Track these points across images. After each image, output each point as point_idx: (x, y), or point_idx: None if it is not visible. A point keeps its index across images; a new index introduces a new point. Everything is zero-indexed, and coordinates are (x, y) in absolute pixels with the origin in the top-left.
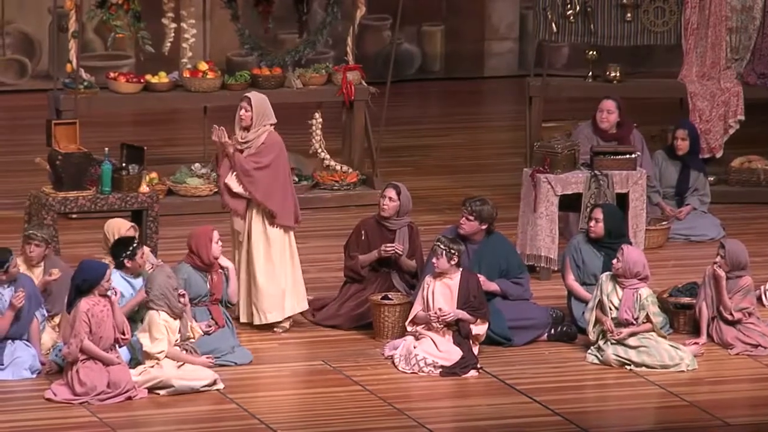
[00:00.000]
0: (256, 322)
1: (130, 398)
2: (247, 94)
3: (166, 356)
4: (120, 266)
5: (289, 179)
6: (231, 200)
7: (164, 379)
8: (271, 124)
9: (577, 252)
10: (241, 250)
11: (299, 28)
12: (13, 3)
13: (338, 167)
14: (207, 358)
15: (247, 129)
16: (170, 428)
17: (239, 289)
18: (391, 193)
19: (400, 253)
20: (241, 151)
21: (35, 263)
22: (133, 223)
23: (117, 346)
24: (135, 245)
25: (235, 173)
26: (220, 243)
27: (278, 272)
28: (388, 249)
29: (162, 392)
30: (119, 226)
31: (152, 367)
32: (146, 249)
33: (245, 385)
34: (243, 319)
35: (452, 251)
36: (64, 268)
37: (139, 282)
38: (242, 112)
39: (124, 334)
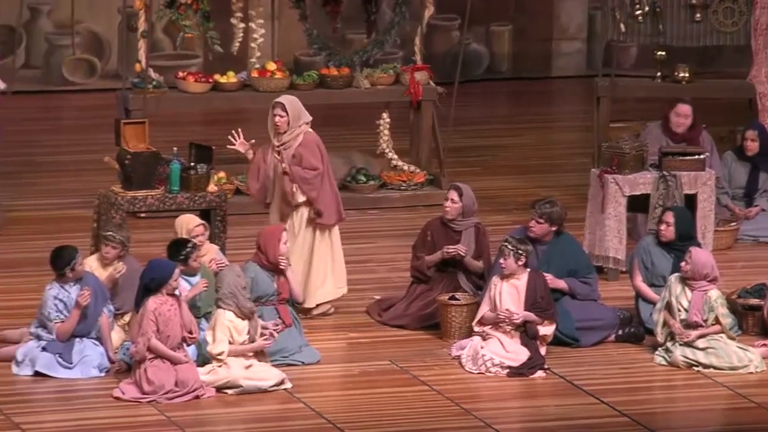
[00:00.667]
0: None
1: (197, 397)
2: (278, 100)
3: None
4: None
5: (332, 176)
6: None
7: (232, 379)
8: (306, 123)
9: (647, 254)
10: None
11: (367, 28)
12: (83, 3)
13: (406, 167)
14: (264, 340)
15: (282, 133)
16: (237, 427)
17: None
18: (453, 195)
19: (463, 254)
20: (279, 153)
21: (109, 263)
22: (203, 221)
23: (185, 345)
24: (189, 248)
25: (295, 185)
26: (288, 244)
27: (318, 265)
28: (449, 250)
29: (229, 392)
30: (188, 222)
31: (220, 366)
32: (215, 248)
33: (313, 384)
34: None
35: (520, 252)
36: (135, 266)
37: (195, 280)
38: (277, 118)
39: (191, 333)
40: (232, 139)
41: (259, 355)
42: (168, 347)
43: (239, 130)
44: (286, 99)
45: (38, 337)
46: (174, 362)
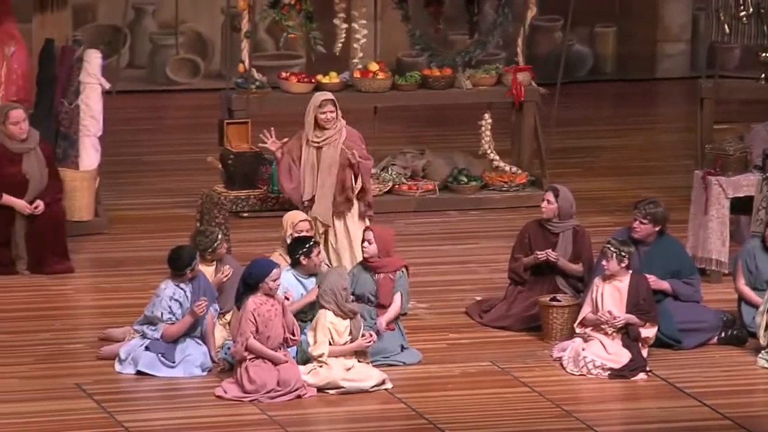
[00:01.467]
0: None
1: (299, 396)
2: (326, 97)
3: (332, 353)
4: (295, 264)
5: None
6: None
7: (332, 380)
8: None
9: (751, 257)
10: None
11: (470, 29)
12: (187, 3)
13: (507, 168)
14: (365, 340)
15: (328, 129)
16: (338, 427)
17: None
18: (550, 196)
19: (554, 259)
20: (319, 149)
21: (216, 261)
22: (307, 217)
23: (285, 346)
24: (311, 243)
25: (361, 178)
26: (373, 245)
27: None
28: (540, 256)
29: (331, 392)
30: (295, 217)
31: (320, 366)
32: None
33: (413, 384)
34: None
35: (623, 254)
36: (235, 266)
37: (311, 282)
38: (328, 114)
39: (293, 334)
40: (264, 138)
41: (360, 355)
42: (268, 347)
43: (271, 129)
44: (332, 96)
45: (143, 335)
46: (274, 362)
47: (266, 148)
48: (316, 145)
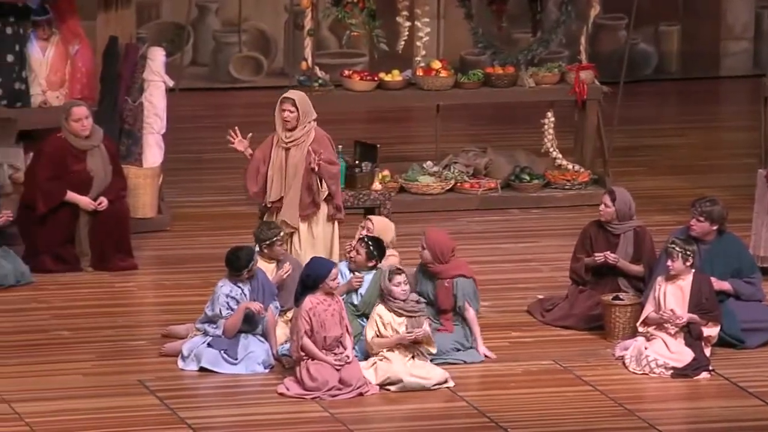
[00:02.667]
0: None
1: (361, 394)
2: (287, 95)
3: (375, 345)
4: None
5: None
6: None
7: (393, 375)
8: (314, 120)
9: None
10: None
11: (533, 27)
12: (250, 1)
13: (570, 166)
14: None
15: (291, 129)
16: (400, 425)
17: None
18: (606, 199)
19: (612, 261)
20: (288, 149)
21: (275, 259)
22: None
23: (340, 345)
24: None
25: (324, 182)
26: (426, 251)
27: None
28: (597, 258)
29: (392, 388)
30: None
31: (381, 360)
32: (396, 258)
33: (475, 383)
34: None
35: (687, 253)
36: (296, 263)
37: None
38: (286, 113)
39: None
40: (231, 139)
41: (420, 353)
42: (325, 347)
43: (236, 128)
44: (296, 94)
45: (205, 333)
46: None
47: (234, 148)
48: (284, 146)
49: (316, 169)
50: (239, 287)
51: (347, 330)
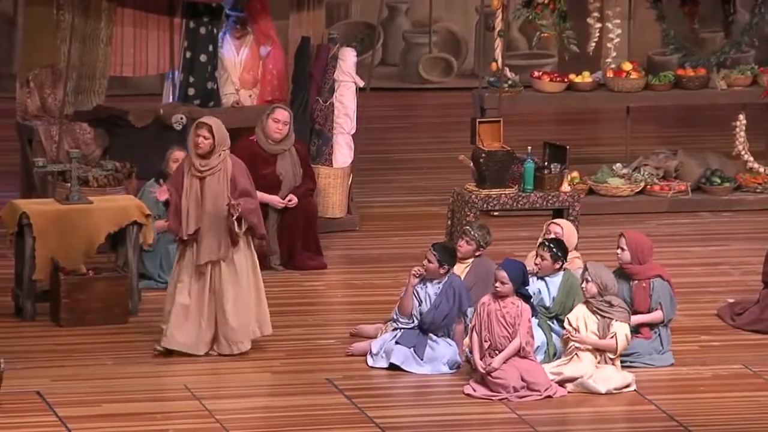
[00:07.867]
0: (226, 352)
1: (549, 396)
2: (203, 120)
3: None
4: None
5: None
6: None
7: (578, 375)
8: (227, 148)
9: None
10: (204, 281)
11: (725, 29)
12: (441, 2)
13: (762, 170)
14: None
15: (205, 156)
16: (587, 427)
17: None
18: None
19: None
20: (203, 179)
21: (462, 258)
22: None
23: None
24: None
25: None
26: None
27: (245, 300)
28: None
29: (569, 386)
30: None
31: (566, 363)
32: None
33: (663, 386)
34: (204, 350)
35: None
36: (489, 265)
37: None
38: (200, 139)
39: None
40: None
41: (608, 356)
42: (491, 348)
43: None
44: (212, 121)
45: (394, 321)
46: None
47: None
48: (198, 174)
49: (235, 215)
50: (425, 286)
51: (529, 334)
